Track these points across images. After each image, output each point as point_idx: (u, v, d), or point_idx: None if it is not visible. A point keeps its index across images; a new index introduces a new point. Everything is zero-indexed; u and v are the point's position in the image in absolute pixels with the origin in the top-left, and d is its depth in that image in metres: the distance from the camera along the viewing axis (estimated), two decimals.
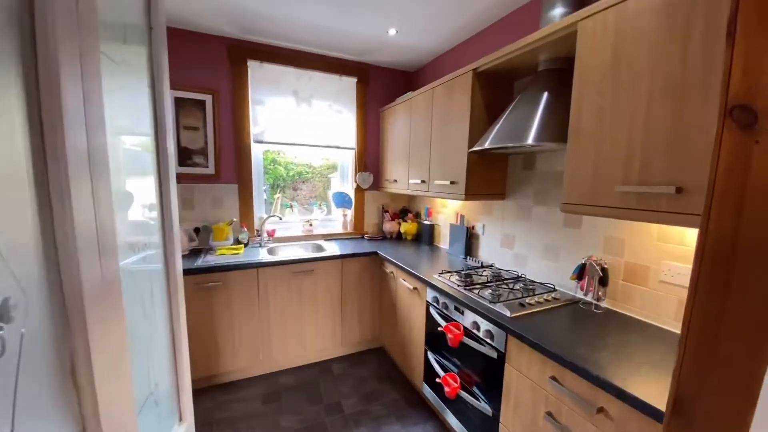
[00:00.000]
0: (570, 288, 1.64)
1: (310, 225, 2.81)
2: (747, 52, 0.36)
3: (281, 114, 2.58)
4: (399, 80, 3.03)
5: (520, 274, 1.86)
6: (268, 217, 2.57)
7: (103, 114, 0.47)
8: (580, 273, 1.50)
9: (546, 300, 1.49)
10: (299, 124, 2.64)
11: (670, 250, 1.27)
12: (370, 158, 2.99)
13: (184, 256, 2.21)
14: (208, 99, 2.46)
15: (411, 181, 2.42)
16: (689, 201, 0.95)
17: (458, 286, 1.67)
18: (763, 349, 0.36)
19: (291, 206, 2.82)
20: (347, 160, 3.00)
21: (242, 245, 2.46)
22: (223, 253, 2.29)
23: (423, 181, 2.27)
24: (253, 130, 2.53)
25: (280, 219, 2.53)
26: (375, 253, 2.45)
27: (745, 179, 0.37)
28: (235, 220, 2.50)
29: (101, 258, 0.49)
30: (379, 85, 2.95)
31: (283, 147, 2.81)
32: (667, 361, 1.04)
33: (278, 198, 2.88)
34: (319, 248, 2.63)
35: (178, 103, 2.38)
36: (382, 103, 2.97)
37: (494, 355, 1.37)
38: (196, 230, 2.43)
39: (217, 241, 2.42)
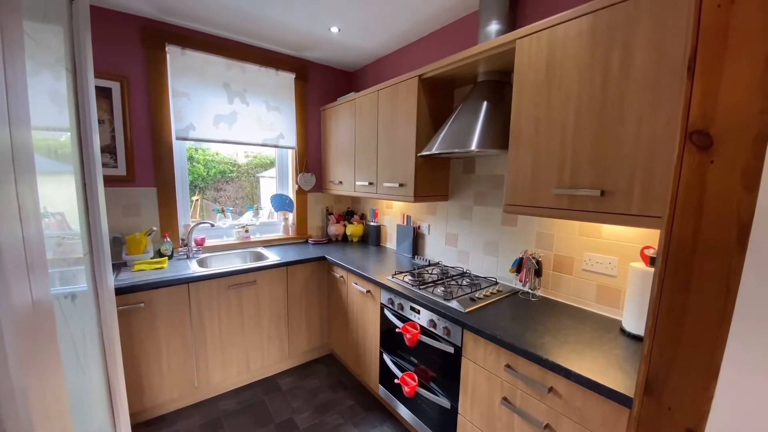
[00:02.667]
0: (509, 280, 1.81)
1: (246, 231, 2.58)
2: (704, 86, 0.43)
3: (210, 108, 2.31)
4: (339, 79, 2.97)
5: (465, 270, 1.99)
6: (197, 224, 2.29)
7: (27, 104, 0.35)
8: (519, 266, 1.66)
9: (492, 293, 1.62)
10: (232, 119, 2.40)
11: (590, 243, 1.49)
12: (311, 159, 2.87)
13: None
14: (115, 86, 2.08)
15: (358, 183, 2.39)
16: (611, 202, 1.12)
17: (412, 286, 1.71)
18: (720, 331, 0.43)
19: (223, 210, 2.55)
20: (287, 160, 2.83)
21: (166, 258, 2.14)
22: (142, 269, 1.96)
23: (371, 183, 2.26)
24: (176, 125, 2.22)
25: (212, 226, 2.27)
26: (323, 258, 2.37)
27: (702, 192, 0.44)
28: (155, 229, 2.17)
29: (30, 278, 0.37)
30: (319, 83, 2.85)
31: (214, 145, 2.53)
32: (597, 340, 1.21)
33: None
34: (260, 256, 2.43)
35: None
36: (322, 102, 2.87)
37: (451, 350, 1.44)
38: None
39: (132, 255, 2.06)
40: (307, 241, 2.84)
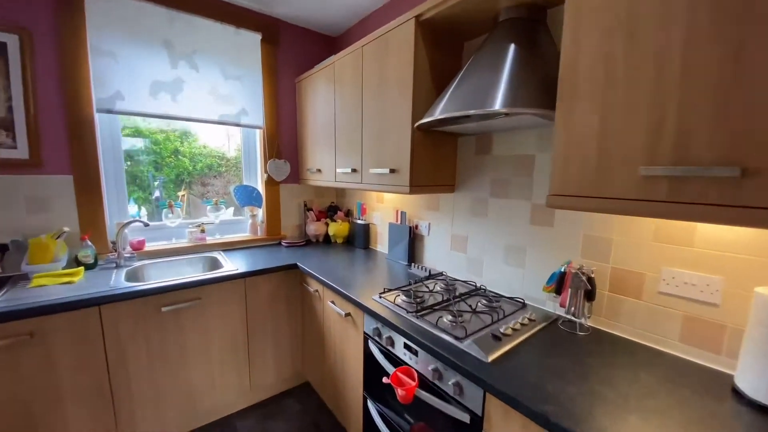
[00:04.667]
0: (540, 300, 1.31)
1: (202, 231, 2.07)
2: None
3: (145, 73, 1.78)
4: (319, 46, 2.44)
5: (478, 286, 1.49)
6: (128, 222, 1.76)
7: None
8: (559, 283, 1.16)
9: (522, 324, 1.12)
10: (176, 88, 1.87)
11: (672, 253, 0.99)
12: (285, 142, 2.35)
13: None
14: (11, 41, 1.55)
15: (339, 170, 1.88)
16: (759, 188, 0.62)
17: (408, 312, 1.20)
18: None
19: (170, 205, 2.02)
20: (254, 143, 2.31)
21: (82, 268, 1.62)
22: (43, 284, 1.45)
23: (354, 170, 1.75)
24: (97, 93, 1.69)
25: (146, 225, 1.75)
26: (294, 266, 1.86)
27: None
28: (67, 230, 1.64)
29: None
30: (294, 50, 2.32)
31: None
32: (706, 412, 0.72)
33: (183, 195, 2.13)
34: (215, 264, 1.92)
35: None
36: (298, 73, 2.35)
37: (466, 418, 0.94)
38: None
39: (35, 264, 1.54)
40: (279, 243, 2.33)
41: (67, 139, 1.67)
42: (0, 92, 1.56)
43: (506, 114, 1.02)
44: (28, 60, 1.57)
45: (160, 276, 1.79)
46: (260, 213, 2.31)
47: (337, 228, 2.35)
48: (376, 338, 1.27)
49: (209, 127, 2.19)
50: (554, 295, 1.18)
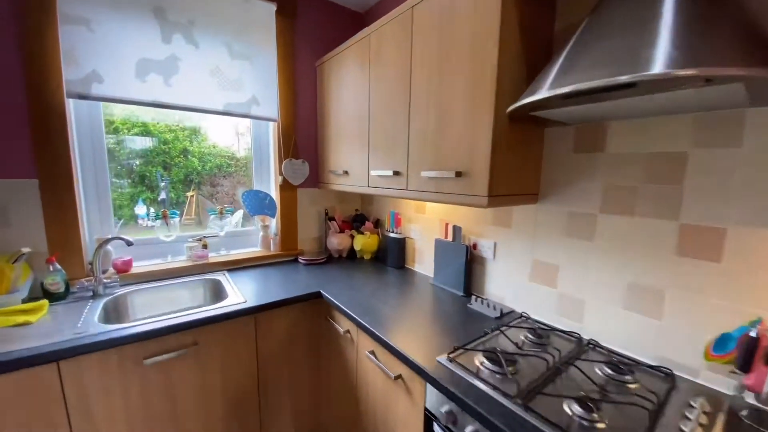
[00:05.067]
0: (689, 368, 0.89)
1: (204, 246, 1.69)
2: None
3: (130, 48, 1.40)
4: (344, 23, 2.04)
5: (584, 339, 1.06)
6: (107, 240, 1.38)
7: None
8: (746, 355, 0.74)
9: (701, 425, 0.70)
10: (170, 69, 1.48)
11: None
12: (303, 138, 1.96)
13: None
14: None
15: (374, 172, 1.47)
16: None
17: (504, 395, 0.79)
18: None
19: (165, 215, 1.64)
20: (267, 139, 1.92)
21: (46, 301, 1.25)
22: None
23: (397, 173, 1.34)
24: (68, 73, 1.31)
25: (130, 244, 1.36)
26: (317, 295, 1.46)
27: None
28: (26, 251, 1.27)
29: None
30: (315, 26, 1.92)
31: (158, 118, 1.62)
32: None
33: (192, 197, 1.79)
34: (218, 289, 1.54)
35: None
36: (318, 55, 1.95)
37: None
38: None
39: None
40: (296, 260, 1.94)
41: (30, 132, 1.30)
42: None
43: (706, 81, 0.60)
44: None
45: (148, 306, 1.41)
46: (273, 224, 1.92)
47: (365, 241, 1.95)
48: (450, 427, 0.86)
49: (216, 123, 1.82)
50: (737, 370, 0.76)
